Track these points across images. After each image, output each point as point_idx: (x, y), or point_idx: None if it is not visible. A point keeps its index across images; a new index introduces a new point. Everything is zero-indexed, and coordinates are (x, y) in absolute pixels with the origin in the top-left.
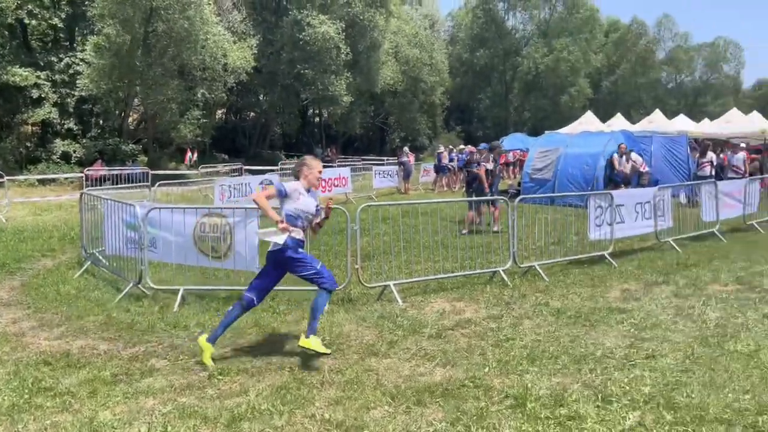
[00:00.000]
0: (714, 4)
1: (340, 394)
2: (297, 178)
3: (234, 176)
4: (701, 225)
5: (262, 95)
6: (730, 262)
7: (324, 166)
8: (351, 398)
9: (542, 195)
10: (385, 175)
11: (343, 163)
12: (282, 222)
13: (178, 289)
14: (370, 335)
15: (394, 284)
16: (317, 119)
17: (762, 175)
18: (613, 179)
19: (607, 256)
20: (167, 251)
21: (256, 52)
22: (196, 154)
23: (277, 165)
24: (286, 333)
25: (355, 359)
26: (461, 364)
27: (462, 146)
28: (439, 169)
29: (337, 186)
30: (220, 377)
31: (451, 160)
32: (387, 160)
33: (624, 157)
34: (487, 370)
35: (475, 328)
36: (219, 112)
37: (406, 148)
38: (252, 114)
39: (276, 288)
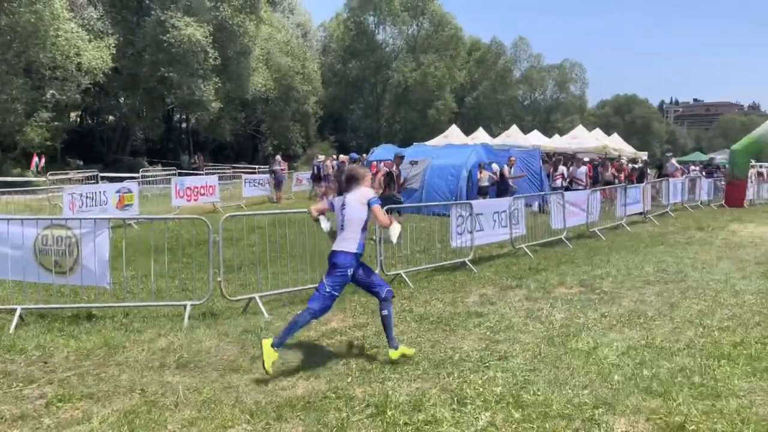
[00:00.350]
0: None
1: (195, 415)
2: (353, 183)
3: (89, 183)
4: (551, 232)
5: (122, 98)
6: (575, 266)
7: (190, 174)
8: (207, 418)
9: (409, 204)
10: (256, 184)
11: (211, 171)
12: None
13: (16, 309)
14: (232, 351)
15: (260, 296)
16: (184, 125)
17: (604, 187)
18: (501, 187)
19: (468, 263)
20: (3, 267)
21: (114, 52)
22: (44, 160)
23: (138, 172)
24: (141, 351)
25: (215, 377)
26: (324, 375)
27: (323, 156)
28: (320, 178)
29: (203, 195)
30: (59, 404)
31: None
32: (259, 168)
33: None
34: (350, 379)
35: (340, 338)
36: (73, 114)
37: (278, 157)
38: (111, 117)
39: (131, 304)
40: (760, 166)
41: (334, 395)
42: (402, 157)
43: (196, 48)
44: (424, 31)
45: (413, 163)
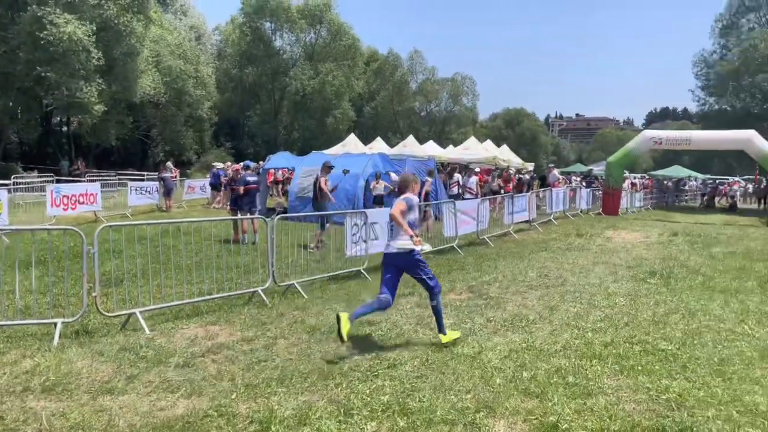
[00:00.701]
0: (455, 46)
1: None
2: (403, 192)
3: None
4: (443, 240)
5: None
6: (464, 273)
7: (70, 181)
8: None
9: (305, 213)
10: (143, 192)
11: (94, 178)
12: (417, 236)
13: None
14: (107, 370)
15: (141, 311)
16: (65, 128)
17: (493, 196)
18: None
19: (363, 272)
20: None
21: None
22: None
23: (10, 179)
24: (2, 375)
25: (85, 400)
26: (208, 392)
27: (229, 163)
28: (220, 186)
29: (83, 204)
30: None
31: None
32: (147, 175)
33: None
34: (234, 396)
35: (227, 353)
36: None
37: (169, 163)
38: None
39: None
40: (634, 177)
41: (216, 413)
42: (331, 167)
43: (77, 47)
44: (322, 39)
45: (345, 172)
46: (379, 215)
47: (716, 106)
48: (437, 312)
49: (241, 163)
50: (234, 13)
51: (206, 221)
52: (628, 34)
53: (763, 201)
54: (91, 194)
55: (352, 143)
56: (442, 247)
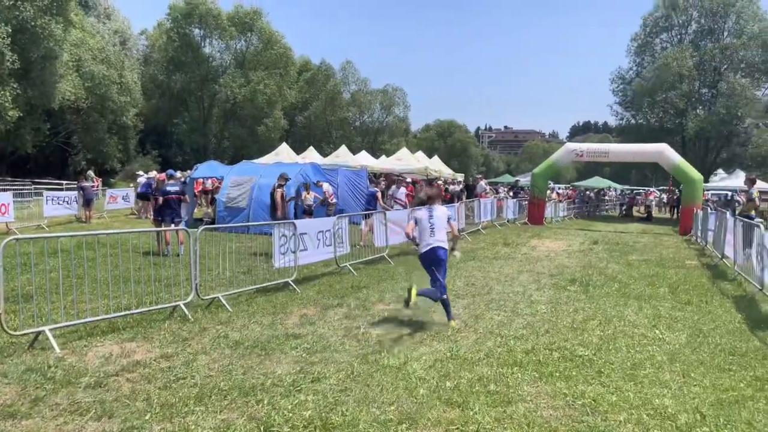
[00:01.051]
0: (385, 58)
1: None
2: (433, 200)
3: None
4: (374, 250)
5: None
6: (394, 282)
7: None
8: None
9: (231, 225)
10: (61, 202)
11: (6, 187)
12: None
13: None
14: (10, 393)
15: (51, 329)
16: None
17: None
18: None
19: (291, 283)
20: None
21: None
22: None
23: None
24: None
25: None
26: (120, 414)
27: (155, 172)
28: (146, 196)
29: None
30: None
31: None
32: (66, 184)
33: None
34: (148, 416)
35: (143, 371)
36: None
37: (90, 172)
38: None
39: None
40: (558, 188)
41: None
42: (288, 179)
43: None
44: (253, 47)
45: (318, 184)
46: (308, 226)
47: (633, 121)
48: (446, 304)
49: (165, 172)
50: (161, 17)
51: (127, 233)
52: (555, 51)
53: (675, 210)
54: (3, 204)
55: (284, 152)
56: (372, 257)
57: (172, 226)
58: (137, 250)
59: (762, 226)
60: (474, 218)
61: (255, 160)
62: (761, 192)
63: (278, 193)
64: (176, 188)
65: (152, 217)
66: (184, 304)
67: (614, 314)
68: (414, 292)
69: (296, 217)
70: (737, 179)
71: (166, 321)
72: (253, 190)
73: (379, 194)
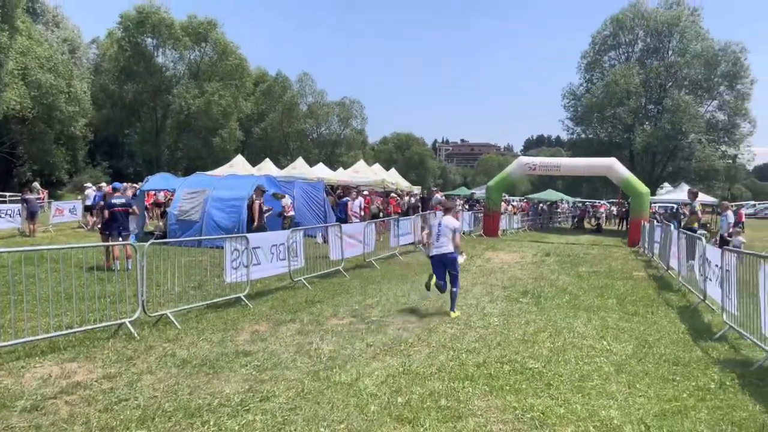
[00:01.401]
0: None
1: None
2: (447, 212)
3: None
4: (330, 263)
5: None
6: (349, 296)
7: None
8: None
9: (182, 239)
10: (3, 215)
11: None
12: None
13: None
14: None
15: None
16: None
17: (379, 219)
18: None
19: (244, 298)
20: None
21: None
22: None
23: None
24: None
25: None
26: None
27: (104, 184)
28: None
29: None
30: None
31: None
32: (10, 196)
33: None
34: None
35: (84, 393)
36: None
37: (35, 184)
38: None
39: None
40: (513, 200)
41: None
42: (264, 191)
43: None
44: (207, 58)
45: (278, 197)
46: (261, 239)
47: (583, 135)
48: (454, 296)
49: (111, 185)
50: (111, 26)
51: (71, 248)
52: (510, 65)
53: (624, 222)
54: None
55: (239, 164)
56: (328, 270)
57: (120, 240)
58: (82, 265)
59: (704, 239)
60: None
61: (209, 172)
62: (704, 204)
63: (256, 205)
64: (122, 201)
65: (100, 230)
66: (130, 322)
67: (564, 326)
68: (434, 280)
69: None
70: (682, 192)
71: (110, 339)
72: (206, 202)
73: (350, 204)
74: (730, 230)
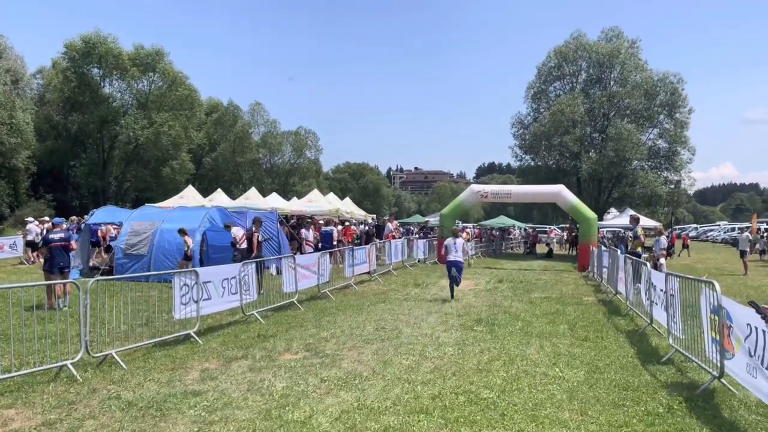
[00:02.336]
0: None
1: None
2: (457, 236)
3: None
4: (283, 296)
5: None
6: (303, 330)
7: None
8: None
9: (127, 275)
10: None
11: None
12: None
13: None
14: None
15: None
16: None
17: (332, 249)
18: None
19: (193, 335)
20: None
21: None
22: None
23: None
24: None
25: None
26: None
27: (45, 218)
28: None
29: None
30: None
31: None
32: None
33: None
34: None
35: None
36: None
37: None
38: None
39: None
40: (466, 227)
41: None
42: (261, 222)
43: None
44: (156, 88)
45: (227, 228)
46: (212, 273)
47: (532, 163)
48: (457, 284)
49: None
50: (55, 56)
51: (10, 287)
52: (461, 94)
53: (573, 247)
54: None
55: (189, 195)
56: (281, 303)
57: (60, 277)
58: (21, 303)
59: (648, 264)
60: (385, 259)
61: (158, 204)
62: (649, 228)
63: (255, 237)
64: (60, 236)
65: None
66: (72, 363)
67: (517, 353)
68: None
69: (203, 263)
70: (627, 217)
71: (51, 383)
72: (154, 236)
73: (335, 233)
74: (663, 253)
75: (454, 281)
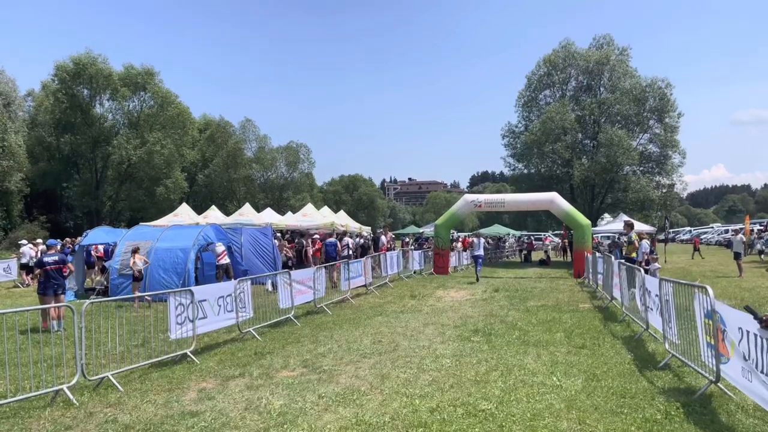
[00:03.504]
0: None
1: None
2: (478, 237)
3: None
4: (279, 312)
5: None
6: (300, 345)
7: None
8: None
9: (122, 296)
10: None
11: None
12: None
13: None
14: None
15: None
16: None
17: (332, 263)
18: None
19: (190, 354)
20: None
21: None
22: None
23: None
24: None
25: None
26: None
27: (39, 240)
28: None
29: None
30: None
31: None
32: None
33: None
34: None
35: None
36: None
37: None
38: None
39: None
40: (461, 236)
41: None
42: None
43: None
44: (147, 107)
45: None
46: (207, 292)
47: (525, 171)
48: (479, 271)
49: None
50: (45, 78)
51: (5, 313)
52: (453, 103)
53: (570, 253)
54: None
55: (184, 213)
56: (278, 319)
57: (55, 299)
58: (16, 327)
59: (642, 269)
60: (381, 271)
61: (152, 223)
62: (639, 233)
63: (307, 250)
64: (54, 258)
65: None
66: (68, 387)
67: (515, 363)
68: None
69: (203, 281)
70: (620, 222)
71: (47, 408)
72: (149, 255)
73: (339, 246)
74: (647, 258)
75: (479, 266)
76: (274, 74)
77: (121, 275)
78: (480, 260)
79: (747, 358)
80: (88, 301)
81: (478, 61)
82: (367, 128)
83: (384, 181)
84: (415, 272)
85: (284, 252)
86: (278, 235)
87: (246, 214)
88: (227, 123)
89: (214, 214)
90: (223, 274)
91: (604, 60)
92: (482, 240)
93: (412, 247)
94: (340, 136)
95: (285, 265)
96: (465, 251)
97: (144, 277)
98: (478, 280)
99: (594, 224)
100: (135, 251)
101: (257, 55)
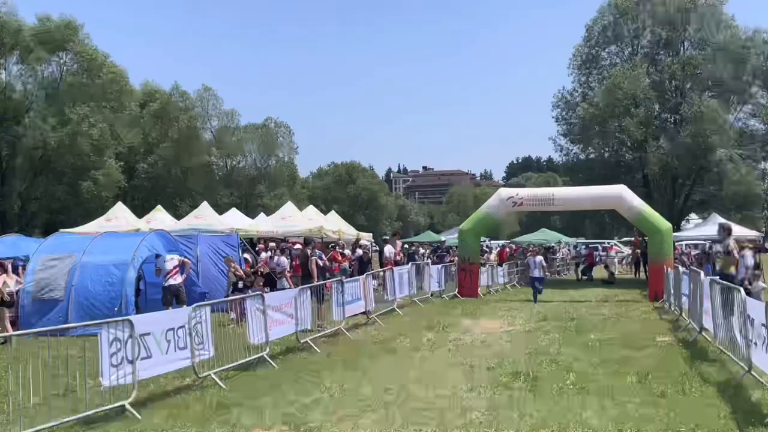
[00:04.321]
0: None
1: None
2: (537, 254)
3: None
4: (250, 349)
5: None
6: (278, 394)
7: None
8: None
9: (46, 328)
10: None
11: None
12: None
13: None
14: None
15: None
16: None
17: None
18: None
19: (129, 407)
20: None
21: None
22: None
23: None
24: None
25: None
26: None
27: None
28: None
29: None
30: None
31: None
32: None
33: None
34: None
35: None
36: None
37: None
38: None
39: None
40: (496, 246)
41: None
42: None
43: None
44: (69, 73)
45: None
46: (151, 322)
47: (582, 156)
48: (539, 293)
49: None
50: None
51: None
52: (484, 71)
53: (641, 268)
54: None
55: (120, 216)
56: (248, 359)
57: None
58: None
59: (743, 290)
60: (386, 294)
61: (76, 229)
62: (747, 240)
63: (312, 261)
64: None
65: None
66: None
67: (570, 419)
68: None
69: (146, 308)
70: (714, 225)
71: None
72: (72, 273)
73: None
74: (750, 274)
75: (537, 291)
76: (245, 33)
77: (35, 301)
78: (538, 284)
79: None
80: None
81: (516, 9)
82: (367, 106)
83: (390, 171)
84: (433, 294)
85: (233, 269)
86: (273, 245)
87: (204, 216)
88: (182, 93)
89: (160, 217)
90: (173, 298)
91: (690, 4)
92: (540, 259)
93: (429, 261)
94: (332, 115)
95: (235, 287)
96: (501, 266)
97: (66, 303)
98: (535, 301)
99: (677, 229)
100: (5, 269)
101: (223, 4)
